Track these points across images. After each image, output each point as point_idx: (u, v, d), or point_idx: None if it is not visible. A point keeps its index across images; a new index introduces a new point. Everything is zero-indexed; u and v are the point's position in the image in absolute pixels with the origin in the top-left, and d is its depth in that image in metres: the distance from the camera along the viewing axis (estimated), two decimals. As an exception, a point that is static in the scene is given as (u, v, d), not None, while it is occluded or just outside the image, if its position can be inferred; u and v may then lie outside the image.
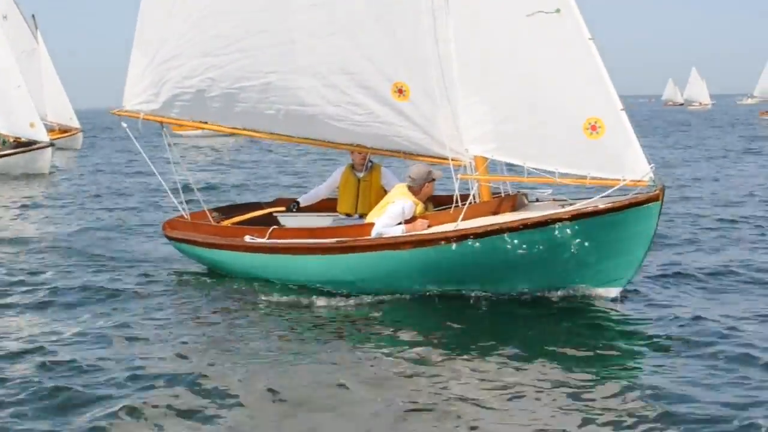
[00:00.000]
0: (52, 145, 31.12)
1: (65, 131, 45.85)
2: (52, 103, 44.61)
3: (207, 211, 12.85)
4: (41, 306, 10.94)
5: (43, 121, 33.19)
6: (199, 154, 41.08)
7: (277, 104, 11.77)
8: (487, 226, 9.95)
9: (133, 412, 7.23)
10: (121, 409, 7.26)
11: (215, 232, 12.17)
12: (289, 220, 12.86)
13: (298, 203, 12.73)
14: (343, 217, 12.33)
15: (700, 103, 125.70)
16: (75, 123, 46.40)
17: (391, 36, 10.90)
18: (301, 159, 37.10)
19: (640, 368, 8.08)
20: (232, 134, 47.74)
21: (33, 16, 45.53)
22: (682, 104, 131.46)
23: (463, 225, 10.19)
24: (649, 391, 7.37)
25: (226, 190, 23.98)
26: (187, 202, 12.91)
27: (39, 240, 15.71)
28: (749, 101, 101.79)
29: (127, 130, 12.51)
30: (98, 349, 9.04)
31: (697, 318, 9.50)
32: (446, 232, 10.08)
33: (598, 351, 8.52)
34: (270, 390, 7.64)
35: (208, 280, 12.15)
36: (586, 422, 6.79)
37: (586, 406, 7.11)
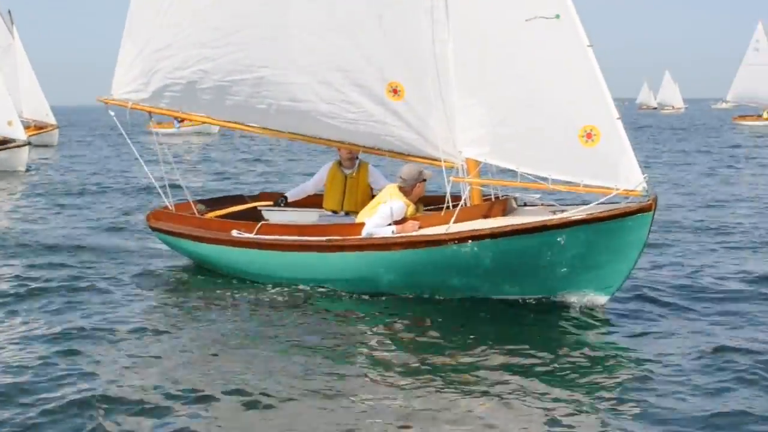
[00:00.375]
0: (29, 143, 30.87)
1: (41, 128, 45.58)
2: (27, 99, 44.24)
3: (192, 203, 12.76)
4: (12, 302, 10.80)
5: (19, 118, 32.90)
6: (174, 150, 40.99)
7: (269, 99, 11.68)
8: (482, 230, 9.91)
9: (103, 409, 7.18)
10: (92, 406, 7.22)
11: (201, 224, 12.08)
12: (274, 215, 12.79)
13: (286, 198, 12.66)
14: (329, 213, 12.28)
15: (673, 107, 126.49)
16: (51, 119, 46.11)
17: (388, 36, 10.83)
18: (269, 154, 37.22)
19: (624, 375, 8.06)
20: (212, 126, 47.85)
21: (9, 11, 45.09)
22: (655, 108, 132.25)
23: (454, 228, 10.16)
24: (630, 398, 7.42)
25: (199, 185, 23.93)
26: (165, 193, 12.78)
27: (15, 237, 15.50)
28: (723, 105, 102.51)
29: (114, 118, 12.39)
30: (67, 345, 8.97)
31: (679, 325, 9.55)
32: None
33: (582, 358, 8.50)
34: (251, 390, 7.59)
35: (189, 275, 12.10)
36: (562, 426, 6.82)
37: (564, 410, 7.12)
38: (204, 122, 12.89)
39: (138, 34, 12.09)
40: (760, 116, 71.06)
